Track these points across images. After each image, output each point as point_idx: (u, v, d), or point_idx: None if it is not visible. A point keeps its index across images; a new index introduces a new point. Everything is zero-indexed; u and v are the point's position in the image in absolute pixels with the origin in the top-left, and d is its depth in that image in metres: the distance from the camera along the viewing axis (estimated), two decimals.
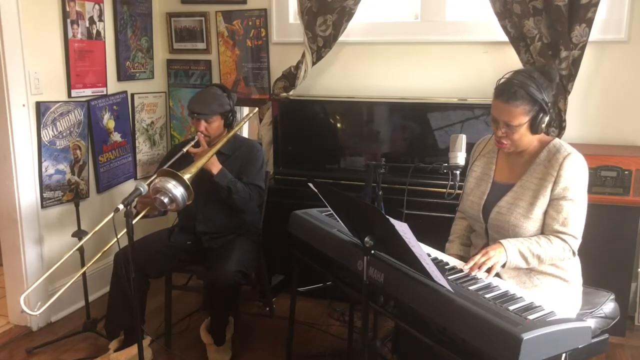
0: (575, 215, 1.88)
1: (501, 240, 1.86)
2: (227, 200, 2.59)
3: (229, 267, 2.49)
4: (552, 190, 1.88)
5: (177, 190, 2.22)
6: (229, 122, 2.70)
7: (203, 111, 2.61)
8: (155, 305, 3.05)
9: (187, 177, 2.26)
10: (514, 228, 1.92)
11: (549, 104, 1.86)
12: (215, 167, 2.55)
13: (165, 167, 2.42)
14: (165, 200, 2.21)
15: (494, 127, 1.93)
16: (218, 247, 2.65)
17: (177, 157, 2.57)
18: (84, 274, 2.87)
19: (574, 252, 1.90)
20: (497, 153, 2.08)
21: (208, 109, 2.61)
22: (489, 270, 1.78)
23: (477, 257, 1.81)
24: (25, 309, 2.21)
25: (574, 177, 1.87)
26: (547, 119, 1.87)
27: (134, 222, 2.05)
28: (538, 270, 1.92)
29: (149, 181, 2.28)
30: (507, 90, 1.85)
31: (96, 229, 2.38)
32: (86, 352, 2.76)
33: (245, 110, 3.72)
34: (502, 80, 1.90)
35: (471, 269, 1.78)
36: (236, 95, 2.85)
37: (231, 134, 2.68)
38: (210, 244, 2.67)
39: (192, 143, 2.61)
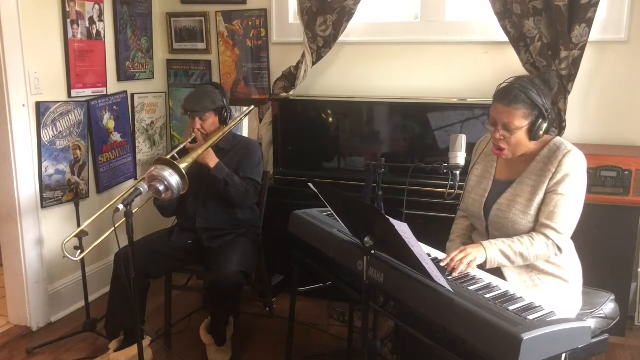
0: (563, 209, 1.86)
1: (482, 242, 1.88)
2: (224, 194, 2.61)
3: (231, 268, 2.49)
4: (548, 185, 1.88)
5: (173, 179, 2.25)
6: (224, 118, 2.73)
7: (195, 108, 2.65)
8: (155, 305, 3.05)
9: (183, 166, 2.30)
10: (513, 225, 1.92)
11: (549, 111, 1.87)
12: (213, 161, 2.58)
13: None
14: (161, 187, 2.23)
15: (492, 130, 1.93)
16: (218, 247, 2.65)
17: (175, 151, 2.60)
18: (84, 274, 2.88)
19: (559, 248, 1.87)
20: None
21: (200, 106, 2.65)
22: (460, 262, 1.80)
23: (454, 253, 1.83)
24: (67, 255, 2.49)
25: (569, 172, 1.86)
26: (545, 125, 1.87)
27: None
28: (539, 270, 1.92)
29: (147, 173, 2.30)
30: (509, 93, 1.85)
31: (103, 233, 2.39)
32: (86, 352, 2.76)
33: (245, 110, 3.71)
34: (504, 85, 1.91)
35: (448, 265, 1.80)
36: (229, 92, 2.86)
37: (228, 127, 2.71)
38: (210, 243, 2.67)
39: (190, 139, 2.67)
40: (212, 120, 2.69)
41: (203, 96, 2.68)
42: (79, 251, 2.63)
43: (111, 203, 2.77)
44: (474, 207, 2.06)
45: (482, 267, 1.85)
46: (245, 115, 2.99)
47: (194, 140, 2.68)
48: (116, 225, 2.20)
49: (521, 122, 1.86)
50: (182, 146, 2.65)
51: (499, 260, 1.86)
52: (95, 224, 2.72)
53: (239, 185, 2.61)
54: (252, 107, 3.01)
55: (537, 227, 1.90)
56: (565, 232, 1.88)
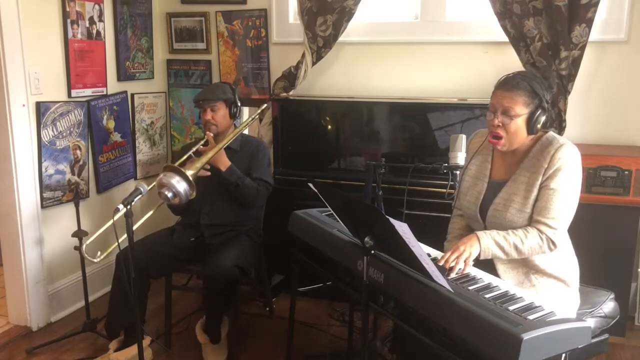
0: (556, 204, 1.84)
1: (476, 232, 1.87)
2: (235, 196, 2.64)
3: (225, 262, 2.50)
4: (541, 180, 1.87)
5: (180, 186, 2.30)
6: (233, 113, 2.80)
7: (207, 97, 2.74)
8: (155, 305, 3.05)
9: (190, 173, 2.33)
10: (511, 224, 1.91)
11: (548, 103, 1.87)
12: (224, 164, 2.61)
13: (173, 164, 2.48)
14: (169, 194, 2.29)
15: (491, 117, 1.90)
16: (218, 244, 2.66)
17: (186, 156, 2.64)
18: (84, 274, 2.88)
19: (553, 242, 1.85)
20: (493, 151, 2.06)
21: (212, 95, 2.74)
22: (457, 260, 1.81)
23: (447, 254, 1.83)
24: (86, 255, 2.48)
25: (561, 167, 1.85)
26: (543, 118, 1.87)
27: None
28: (536, 270, 1.92)
29: (157, 179, 2.33)
30: (510, 81, 1.87)
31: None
32: (86, 352, 2.76)
33: (246, 110, 3.71)
34: (504, 77, 1.92)
35: (443, 266, 1.80)
36: (239, 89, 2.94)
37: (239, 129, 2.76)
38: (212, 240, 2.68)
39: (202, 142, 2.69)
40: (223, 112, 2.76)
41: (215, 88, 2.82)
42: (99, 252, 2.50)
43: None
44: (469, 210, 2.05)
45: (476, 258, 1.84)
46: (257, 115, 3.02)
47: (206, 144, 2.68)
48: (114, 219, 2.21)
49: (521, 109, 1.85)
50: (194, 149, 2.66)
51: (493, 250, 1.85)
52: (98, 224, 2.72)
53: (249, 186, 2.65)
54: (265, 105, 3.08)
55: (531, 222, 1.88)
56: (559, 227, 1.86)
